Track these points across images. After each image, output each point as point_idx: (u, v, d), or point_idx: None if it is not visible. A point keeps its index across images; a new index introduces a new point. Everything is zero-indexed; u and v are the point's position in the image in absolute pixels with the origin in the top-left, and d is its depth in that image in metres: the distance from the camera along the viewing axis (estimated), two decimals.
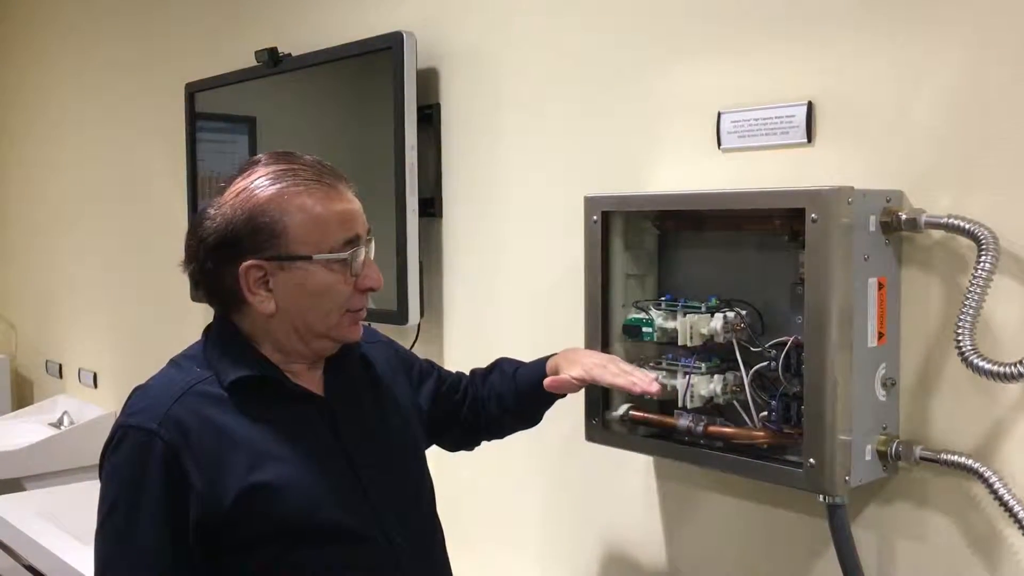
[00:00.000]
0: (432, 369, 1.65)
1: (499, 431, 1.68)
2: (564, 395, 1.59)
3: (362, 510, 1.35)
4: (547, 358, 1.60)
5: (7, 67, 4.41)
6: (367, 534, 1.35)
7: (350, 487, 1.36)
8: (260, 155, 1.37)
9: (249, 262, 1.30)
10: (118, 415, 1.34)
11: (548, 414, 1.64)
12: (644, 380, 1.46)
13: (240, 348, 1.35)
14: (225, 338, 1.37)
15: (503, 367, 1.66)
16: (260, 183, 1.32)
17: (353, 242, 1.33)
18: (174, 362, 1.39)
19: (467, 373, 1.69)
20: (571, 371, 1.52)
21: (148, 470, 1.26)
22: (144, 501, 1.26)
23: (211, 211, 1.33)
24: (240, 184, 1.33)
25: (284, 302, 1.32)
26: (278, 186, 1.31)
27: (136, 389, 1.36)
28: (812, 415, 1.36)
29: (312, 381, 1.40)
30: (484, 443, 1.70)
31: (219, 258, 1.32)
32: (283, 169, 1.33)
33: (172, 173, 3.12)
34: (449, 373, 1.67)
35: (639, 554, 1.81)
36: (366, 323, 1.50)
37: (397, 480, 1.43)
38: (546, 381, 1.54)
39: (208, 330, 1.41)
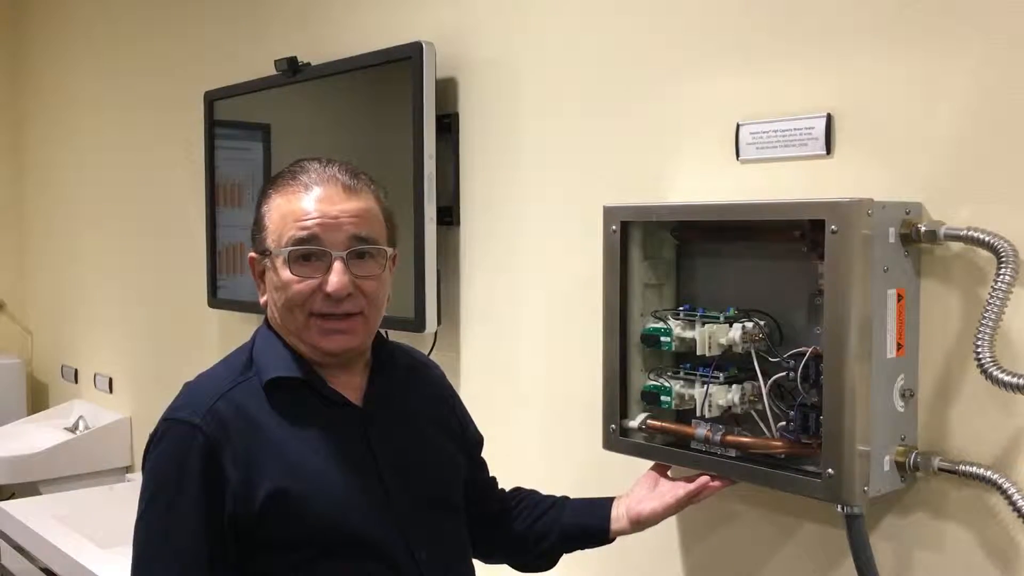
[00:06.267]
0: (480, 443, 1.63)
1: (495, 553, 1.64)
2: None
3: (386, 524, 1.35)
4: (605, 511, 1.58)
5: (28, 74, 4.44)
6: (390, 548, 1.35)
7: (377, 500, 1.36)
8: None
9: (251, 254, 1.40)
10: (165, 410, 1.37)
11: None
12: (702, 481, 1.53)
13: (279, 345, 1.39)
14: (267, 334, 1.41)
15: (561, 518, 1.61)
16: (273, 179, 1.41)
17: (306, 242, 1.33)
18: (224, 359, 1.43)
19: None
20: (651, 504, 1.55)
21: (188, 463, 1.28)
22: (184, 492, 1.28)
23: None
24: None
25: (268, 295, 1.39)
26: (274, 183, 1.39)
27: (185, 385, 1.39)
28: (830, 425, 1.36)
29: (350, 387, 1.41)
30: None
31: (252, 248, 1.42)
32: (292, 169, 1.39)
33: (190, 179, 3.14)
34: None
35: (655, 562, 1.81)
36: (407, 344, 1.54)
37: (426, 496, 1.42)
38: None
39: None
